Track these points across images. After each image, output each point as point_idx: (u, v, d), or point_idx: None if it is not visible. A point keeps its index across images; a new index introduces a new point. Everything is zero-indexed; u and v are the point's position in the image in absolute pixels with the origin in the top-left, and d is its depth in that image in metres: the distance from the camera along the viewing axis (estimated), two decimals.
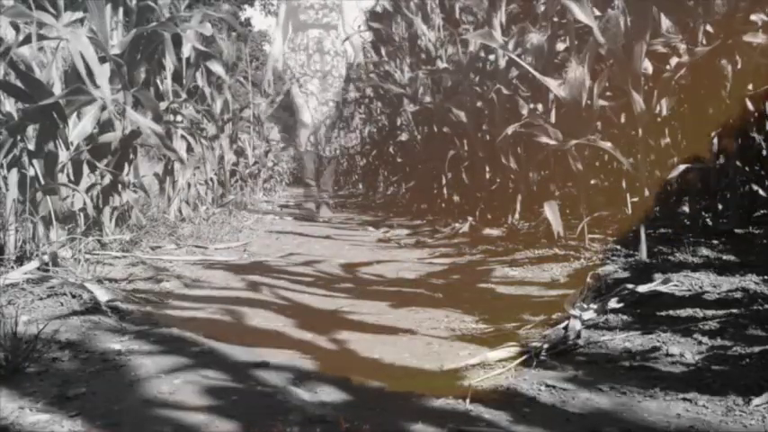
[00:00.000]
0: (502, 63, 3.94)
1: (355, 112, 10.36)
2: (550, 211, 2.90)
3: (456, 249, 3.48)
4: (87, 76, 2.52)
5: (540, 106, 3.74)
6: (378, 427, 1.11)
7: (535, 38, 3.45)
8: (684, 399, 1.20)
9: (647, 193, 2.61)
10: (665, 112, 2.98)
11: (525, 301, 2.16)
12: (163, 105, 3.80)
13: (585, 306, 1.79)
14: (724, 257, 2.35)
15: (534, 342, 1.57)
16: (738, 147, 2.86)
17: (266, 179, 9.54)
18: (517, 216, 3.94)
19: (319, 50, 5.56)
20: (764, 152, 2.95)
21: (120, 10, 3.13)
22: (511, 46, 3.61)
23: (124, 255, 2.81)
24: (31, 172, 2.50)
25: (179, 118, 4.22)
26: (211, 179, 5.43)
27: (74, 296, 1.94)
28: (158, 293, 2.25)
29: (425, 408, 1.21)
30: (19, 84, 2.42)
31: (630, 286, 1.91)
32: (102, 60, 2.70)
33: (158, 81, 4.04)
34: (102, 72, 2.63)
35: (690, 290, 1.93)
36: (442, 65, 5.11)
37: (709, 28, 2.67)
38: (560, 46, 3.58)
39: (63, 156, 2.65)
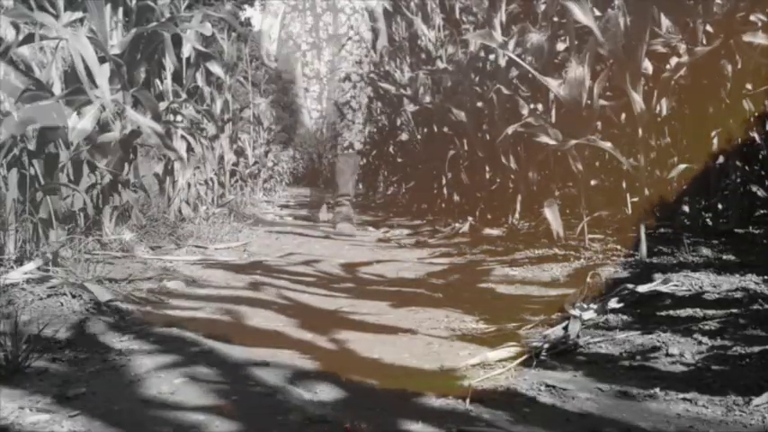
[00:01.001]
0: (502, 63, 3.94)
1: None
2: (550, 211, 2.90)
3: (456, 249, 3.48)
4: (87, 77, 2.52)
5: (540, 106, 3.74)
6: (378, 427, 1.11)
7: (535, 38, 3.45)
8: (684, 399, 1.20)
9: (647, 192, 2.61)
10: (665, 113, 2.98)
11: (525, 301, 2.16)
12: (163, 105, 3.80)
13: (585, 306, 1.79)
14: (724, 257, 2.35)
15: (534, 342, 1.57)
16: (739, 146, 2.86)
17: (266, 179, 9.54)
18: (517, 216, 3.94)
19: (331, 9, 4.24)
20: (765, 152, 2.95)
21: (120, 10, 3.13)
22: (511, 46, 3.61)
23: (124, 255, 2.81)
24: (31, 172, 2.50)
25: (179, 118, 4.22)
26: (211, 179, 5.43)
27: (74, 296, 1.94)
28: (158, 293, 2.25)
29: (425, 408, 1.21)
30: (19, 84, 2.42)
31: (630, 286, 1.91)
32: (102, 60, 2.70)
33: (158, 81, 4.04)
34: (102, 72, 2.63)
35: (690, 290, 1.93)
36: (442, 65, 5.11)
37: (709, 28, 2.67)
38: (560, 46, 3.58)
39: (63, 156, 2.65)
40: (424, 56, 5.60)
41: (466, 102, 4.39)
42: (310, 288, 2.48)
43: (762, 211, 3.14)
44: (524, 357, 1.48)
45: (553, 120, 3.46)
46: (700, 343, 1.49)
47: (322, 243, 4.11)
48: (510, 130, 3.13)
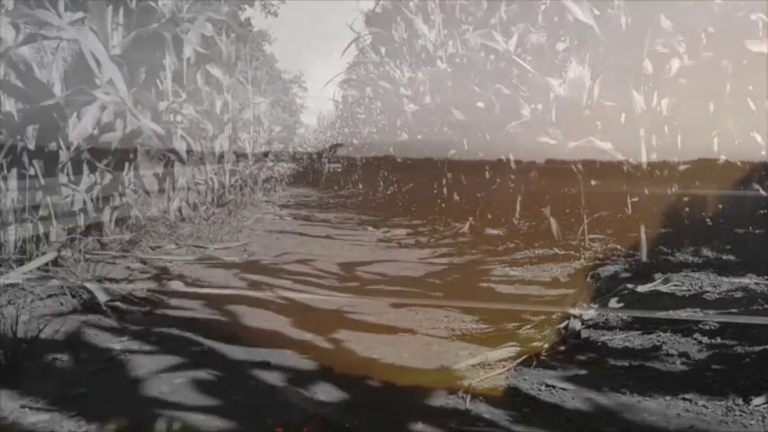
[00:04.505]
0: (502, 63, 3.94)
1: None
2: (550, 211, 2.90)
3: (456, 249, 3.48)
4: (96, 74, 2.52)
5: (540, 106, 3.73)
6: (378, 427, 1.11)
7: (535, 38, 3.46)
8: (684, 399, 1.20)
9: (646, 192, 2.61)
10: (665, 113, 2.97)
11: (525, 301, 2.16)
12: (163, 105, 3.80)
13: (585, 306, 1.79)
14: (724, 257, 2.35)
15: (534, 342, 1.57)
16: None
17: (266, 179, 9.54)
18: (517, 216, 3.94)
19: None
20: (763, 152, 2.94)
21: (121, 11, 3.13)
22: (511, 46, 3.61)
23: (124, 255, 2.80)
24: (31, 172, 2.50)
25: (179, 118, 4.22)
26: (211, 179, 5.43)
27: (74, 296, 1.94)
28: (158, 293, 2.25)
29: (425, 407, 1.21)
30: (19, 84, 2.42)
31: (630, 286, 1.91)
32: None
33: (158, 81, 4.04)
34: (112, 69, 2.63)
35: (690, 290, 1.93)
36: (441, 65, 5.11)
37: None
38: (560, 46, 3.58)
39: (63, 156, 2.65)
40: (424, 56, 5.60)
41: (466, 102, 4.39)
42: (310, 288, 2.48)
43: (762, 211, 3.13)
44: (524, 357, 1.48)
45: (553, 120, 3.46)
46: (700, 343, 1.49)
47: (322, 243, 4.10)
48: (510, 130, 3.14)
